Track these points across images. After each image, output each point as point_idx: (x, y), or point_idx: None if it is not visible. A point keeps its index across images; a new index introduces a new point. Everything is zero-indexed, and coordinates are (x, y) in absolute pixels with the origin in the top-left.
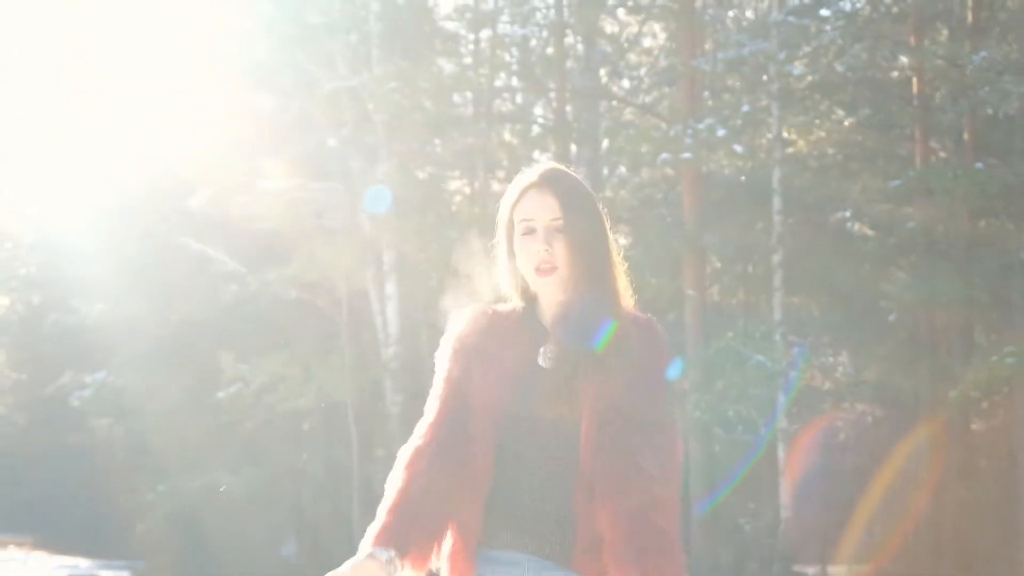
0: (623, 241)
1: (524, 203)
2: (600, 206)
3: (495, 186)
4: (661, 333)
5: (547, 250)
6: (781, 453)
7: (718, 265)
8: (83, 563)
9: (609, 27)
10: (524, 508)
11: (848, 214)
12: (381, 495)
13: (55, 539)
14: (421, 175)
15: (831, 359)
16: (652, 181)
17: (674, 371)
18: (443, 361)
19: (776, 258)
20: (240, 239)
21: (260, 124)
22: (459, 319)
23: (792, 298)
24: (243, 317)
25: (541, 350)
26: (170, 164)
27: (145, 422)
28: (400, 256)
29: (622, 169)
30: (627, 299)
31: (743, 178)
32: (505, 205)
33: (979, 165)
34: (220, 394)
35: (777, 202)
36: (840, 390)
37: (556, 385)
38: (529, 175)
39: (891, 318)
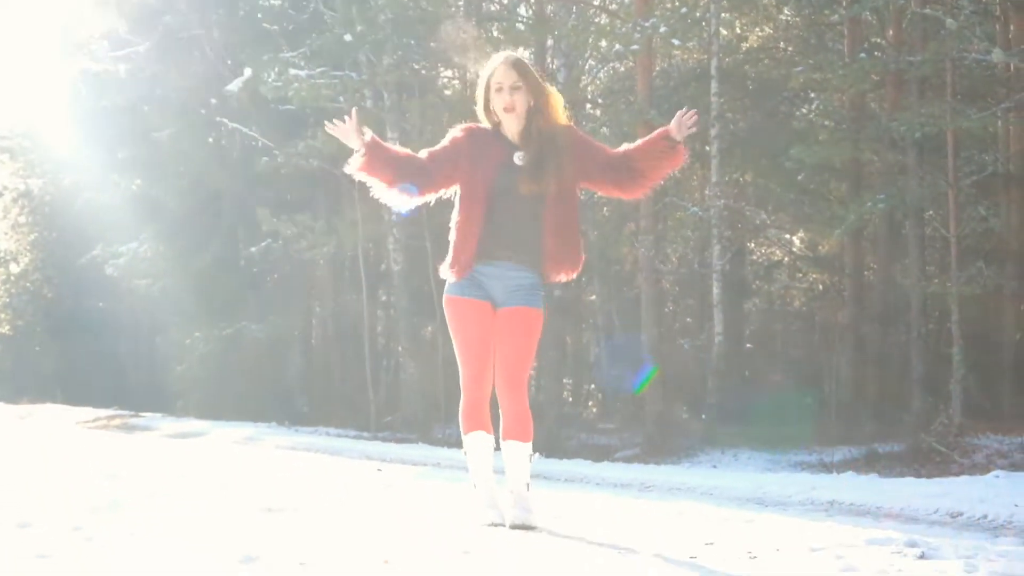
0: (594, 121)
1: (496, 73)
2: (540, 76)
3: None
4: (579, 130)
5: (510, 99)
6: (716, 288)
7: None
8: (120, 410)
9: None
10: (510, 238)
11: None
12: (387, 337)
13: (92, 395)
14: (419, 66)
15: (787, 236)
16: (621, 73)
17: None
18: (448, 138)
19: (712, 132)
20: (266, 119)
21: (283, 22)
22: (458, 127)
23: (732, 172)
24: (269, 186)
25: (516, 155)
26: (207, 55)
27: (178, 282)
28: (403, 133)
29: (592, 62)
30: (562, 119)
31: (698, 70)
32: (484, 74)
33: (863, 55)
34: (252, 248)
35: (714, 86)
36: (796, 263)
37: (531, 174)
38: (499, 58)
39: (800, 177)
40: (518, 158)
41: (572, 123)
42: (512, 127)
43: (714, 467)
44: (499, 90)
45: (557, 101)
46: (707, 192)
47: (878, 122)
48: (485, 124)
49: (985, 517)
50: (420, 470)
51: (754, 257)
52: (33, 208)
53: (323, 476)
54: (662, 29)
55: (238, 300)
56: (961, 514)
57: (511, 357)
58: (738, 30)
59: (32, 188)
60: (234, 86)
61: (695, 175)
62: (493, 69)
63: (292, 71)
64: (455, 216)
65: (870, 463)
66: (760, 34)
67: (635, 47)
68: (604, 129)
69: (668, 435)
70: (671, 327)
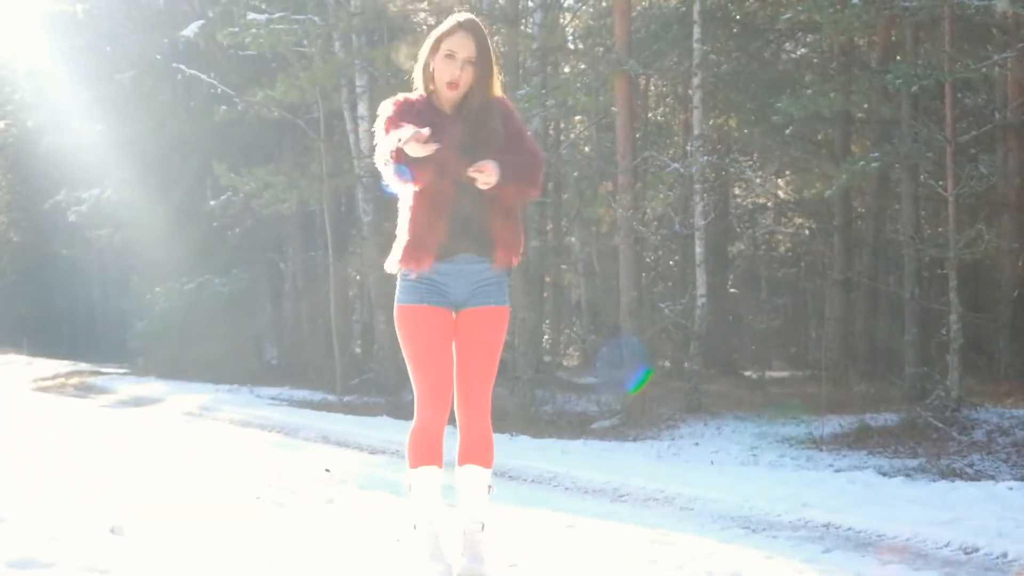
0: (571, 71)
1: (453, 38)
2: (493, 53)
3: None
4: (510, 103)
5: (459, 74)
6: (698, 248)
7: (657, 87)
8: (83, 365)
9: None
10: (468, 227)
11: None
12: (353, 294)
13: (54, 346)
14: (392, 8)
15: (773, 178)
16: (602, 9)
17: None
18: (384, 120)
19: (695, 80)
20: (229, 65)
21: None
22: (388, 104)
23: (724, 121)
24: (231, 135)
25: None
26: None
27: (141, 232)
28: (371, 79)
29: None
30: (498, 91)
31: (682, 8)
32: (436, 32)
33: (855, 1)
34: (212, 202)
35: (697, 32)
36: (780, 207)
37: (474, 154)
38: (460, 19)
39: (787, 132)
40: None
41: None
42: (446, 99)
43: (696, 444)
44: (449, 57)
45: (497, 79)
46: (688, 147)
47: (870, 71)
48: (414, 92)
49: (1005, 556)
50: (375, 469)
51: (738, 200)
52: None
53: (254, 479)
54: None
55: (201, 253)
56: (977, 550)
57: (476, 368)
58: None
59: None
60: (190, 31)
61: (676, 122)
62: (448, 31)
63: (251, 15)
64: (408, 204)
65: (862, 439)
66: None
67: None
68: (581, 83)
69: (648, 404)
70: (651, 289)
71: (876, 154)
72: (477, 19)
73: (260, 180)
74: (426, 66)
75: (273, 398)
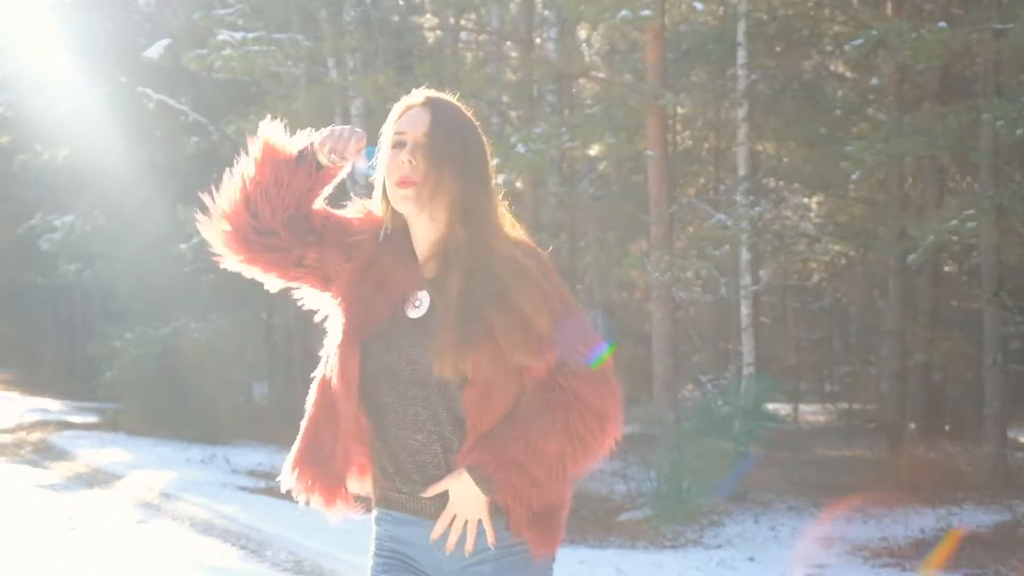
0: (595, 104)
1: (403, 119)
2: (480, 135)
3: (464, 35)
4: (548, 262)
5: (410, 161)
6: (745, 310)
7: (686, 110)
8: (53, 405)
9: None
10: (407, 468)
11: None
12: None
13: (30, 378)
14: (394, 18)
15: (804, 200)
16: (612, 37)
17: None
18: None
19: (741, 112)
20: (202, 89)
21: None
22: (361, 206)
23: (762, 145)
24: (205, 169)
25: (417, 297)
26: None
27: (113, 268)
28: (368, 106)
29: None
30: (509, 230)
31: (712, 20)
32: (388, 122)
33: (942, 24)
34: (182, 246)
35: (742, 55)
36: (814, 232)
37: (441, 348)
38: (415, 95)
39: (854, 176)
40: (416, 303)
41: (527, 239)
42: (421, 232)
43: (752, 560)
44: (398, 145)
45: (496, 195)
46: (738, 195)
47: (957, 109)
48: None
49: None
50: None
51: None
52: None
53: None
54: None
55: (177, 295)
56: None
57: None
58: None
59: None
60: (154, 51)
61: (704, 149)
62: (402, 109)
63: (222, 35)
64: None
65: (954, 553)
66: None
67: (646, 12)
68: (605, 113)
69: (684, 493)
70: (688, 359)
71: (970, 211)
72: (445, 97)
73: None
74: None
75: (252, 471)
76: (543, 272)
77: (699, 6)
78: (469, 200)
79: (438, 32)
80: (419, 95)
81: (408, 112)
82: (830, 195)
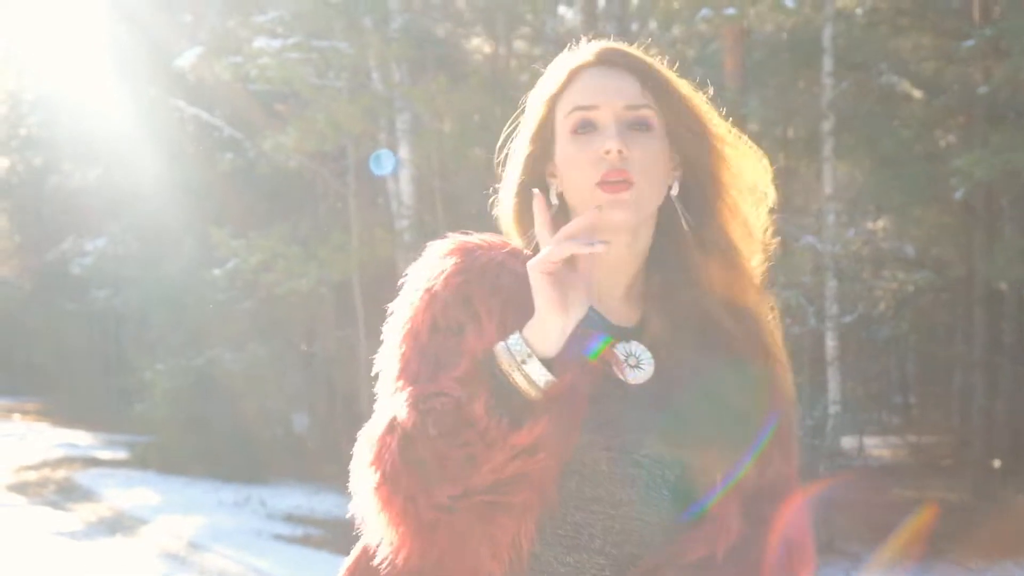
0: None
1: (579, 86)
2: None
3: (517, 44)
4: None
5: (621, 152)
6: (830, 342)
7: (754, 127)
8: (83, 438)
9: None
10: None
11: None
12: None
13: (61, 407)
14: (439, 31)
15: (872, 224)
16: (684, 37)
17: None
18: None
19: (826, 125)
20: (238, 102)
21: None
22: (432, 262)
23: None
24: (240, 187)
25: (621, 350)
26: (160, 18)
27: (145, 294)
28: (415, 119)
29: (652, 24)
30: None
31: (784, 35)
32: (539, 98)
33: None
34: (216, 271)
35: (828, 63)
36: (880, 257)
37: (664, 425)
38: (579, 54)
39: (957, 195)
40: (633, 361)
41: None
42: (616, 260)
43: None
44: (586, 128)
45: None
46: (831, 219)
47: None
48: (508, 238)
49: None
50: None
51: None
52: (3, 191)
53: None
54: None
55: (211, 323)
56: None
57: None
58: None
59: None
60: (185, 60)
61: (798, 178)
62: (568, 75)
63: (258, 42)
64: None
65: None
66: None
67: (730, 10)
68: None
69: None
70: None
71: None
72: (625, 47)
73: (267, 250)
74: (528, 166)
75: (289, 515)
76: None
77: (789, 3)
78: (703, 199)
79: (491, 43)
80: (588, 51)
81: (585, 75)
82: (906, 220)
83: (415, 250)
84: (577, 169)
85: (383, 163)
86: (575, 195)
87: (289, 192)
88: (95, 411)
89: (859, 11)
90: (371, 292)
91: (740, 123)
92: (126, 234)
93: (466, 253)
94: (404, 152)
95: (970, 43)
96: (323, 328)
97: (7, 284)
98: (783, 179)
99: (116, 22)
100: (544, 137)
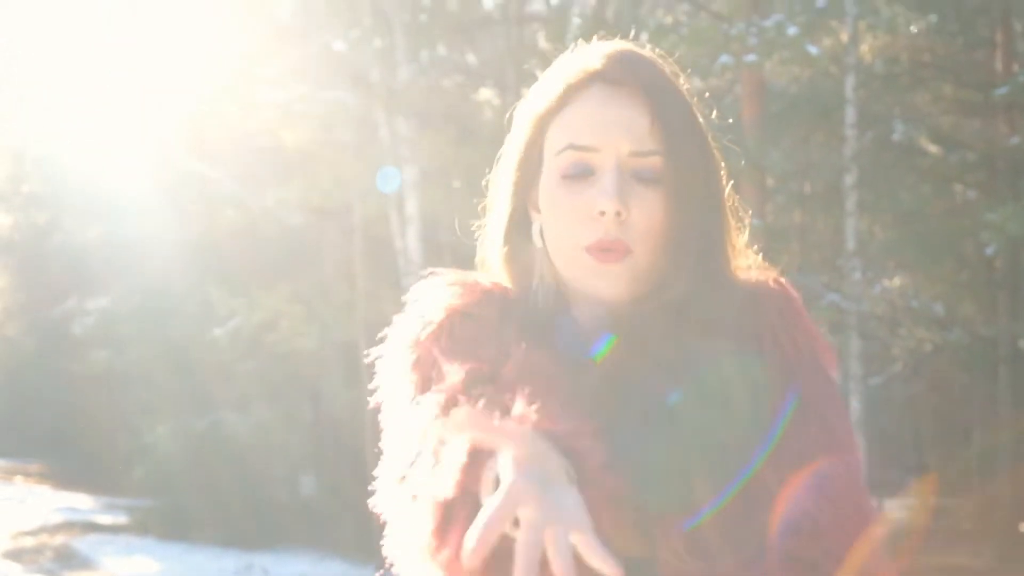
0: None
1: (577, 113)
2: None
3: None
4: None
5: (619, 213)
6: (855, 403)
7: (770, 182)
8: (84, 501)
9: None
10: None
11: (912, 128)
12: None
13: (63, 469)
14: (447, 83)
15: (888, 282)
16: (700, 89)
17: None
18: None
19: (849, 179)
20: (241, 155)
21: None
22: (420, 313)
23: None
24: (243, 244)
25: None
26: (161, 70)
27: (147, 354)
28: (423, 173)
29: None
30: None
31: (794, 89)
32: (528, 116)
33: None
34: (217, 331)
35: (851, 114)
36: (897, 315)
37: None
38: (583, 60)
39: (988, 251)
40: None
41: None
42: (602, 294)
43: None
44: (581, 173)
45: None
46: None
47: None
48: (497, 278)
49: None
50: None
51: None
52: (6, 248)
53: None
54: (791, 31)
55: (213, 383)
56: None
57: None
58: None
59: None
60: (187, 113)
61: (788, 223)
62: (567, 88)
63: (261, 92)
64: None
65: None
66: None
67: (751, 57)
68: None
69: None
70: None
71: None
72: (647, 56)
73: (271, 309)
74: (516, 202)
75: None
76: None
77: (813, 50)
78: (703, 257)
79: (500, 96)
80: (592, 57)
81: (586, 97)
82: (926, 277)
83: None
84: (564, 223)
85: (389, 180)
86: (558, 251)
87: (293, 249)
88: (97, 473)
89: (878, 64)
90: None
91: (759, 176)
92: (128, 293)
93: (452, 305)
94: (411, 208)
95: (1003, 91)
96: (329, 388)
97: (10, 343)
98: (801, 235)
99: (118, 77)
100: (532, 162)
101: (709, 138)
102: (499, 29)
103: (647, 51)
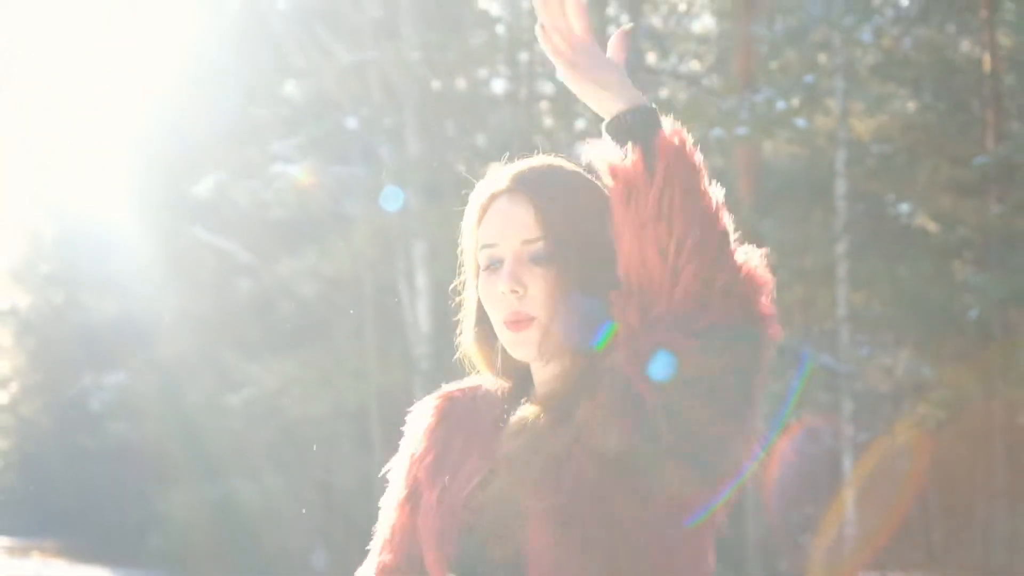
0: None
1: (487, 220)
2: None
3: None
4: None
5: (515, 291)
6: (847, 463)
7: (772, 258)
8: (100, 575)
9: None
10: None
11: (908, 206)
12: None
13: (79, 545)
14: (454, 160)
15: (891, 360)
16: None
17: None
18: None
19: (840, 248)
20: (255, 228)
21: (273, 104)
22: (417, 415)
23: (853, 294)
24: (257, 315)
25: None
26: (177, 146)
27: (162, 427)
28: (432, 247)
29: None
30: None
31: (793, 167)
32: (465, 228)
33: None
34: (232, 398)
35: (841, 185)
36: (900, 392)
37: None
38: (497, 177)
39: (972, 314)
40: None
41: None
42: (535, 367)
43: None
44: (492, 266)
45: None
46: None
47: None
48: (479, 375)
49: None
50: None
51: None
52: (26, 328)
53: None
54: (780, 105)
55: (228, 453)
56: None
57: None
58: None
59: (18, 305)
60: (202, 187)
61: (790, 297)
62: (481, 207)
63: (276, 167)
64: None
65: None
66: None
67: (742, 130)
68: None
69: None
70: (788, 518)
71: None
72: (540, 164)
73: (285, 376)
74: (475, 298)
75: None
76: None
77: (801, 122)
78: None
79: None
80: (503, 176)
81: (493, 208)
82: (924, 352)
83: (432, 378)
84: (489, 306)
85: (392, 199)
86: (494, 327)
87: (305, 319)
88: (112, 546)
89: (873, 145)
90: (389, 420)
91: (757, 244)
92: (144, 368)
93: (445, 398)
94: (421, 281)
95: (983, 160)
96: (340, 458)
97: (27, 423)
98: (801, 310)
99: (133, 153)
100: (474, 263)
101: (596, 219)
102: (507, 109)
103: (554, 160)
